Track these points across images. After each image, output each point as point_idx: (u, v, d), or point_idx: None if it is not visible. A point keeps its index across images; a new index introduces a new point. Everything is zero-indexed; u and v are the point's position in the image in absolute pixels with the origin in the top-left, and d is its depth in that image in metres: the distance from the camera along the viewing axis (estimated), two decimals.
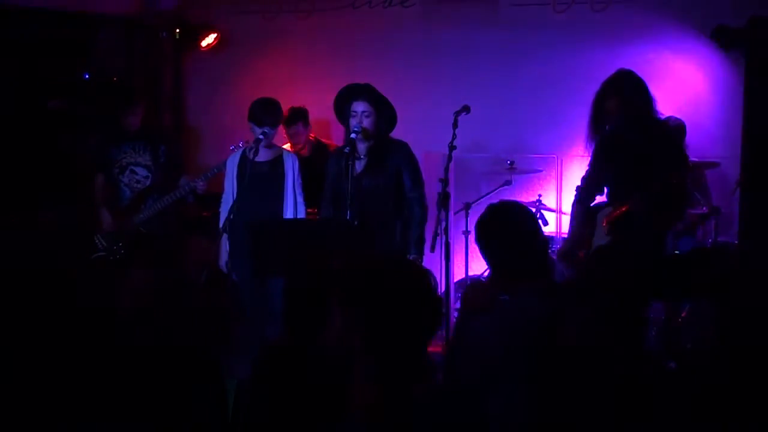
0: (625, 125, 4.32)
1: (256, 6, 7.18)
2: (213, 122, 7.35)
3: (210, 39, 7.02)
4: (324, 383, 2.20)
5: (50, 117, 6.64)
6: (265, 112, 5.14)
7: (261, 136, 5.08)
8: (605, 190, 4.62)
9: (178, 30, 7.06)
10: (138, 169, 5.67)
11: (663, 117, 4.44)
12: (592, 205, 4.68)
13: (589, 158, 4.63)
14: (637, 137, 4.33)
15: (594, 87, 6.51)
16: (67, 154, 6.64)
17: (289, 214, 5.19)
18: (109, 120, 5.98)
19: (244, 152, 5.15)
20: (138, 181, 5.67)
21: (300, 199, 5.23)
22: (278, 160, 5.26)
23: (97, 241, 5.63)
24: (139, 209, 5.61)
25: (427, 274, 1.78)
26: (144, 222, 5.59)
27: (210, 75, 7.16)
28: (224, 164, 5.40)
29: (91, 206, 5.78)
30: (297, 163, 5.31)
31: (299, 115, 6.12)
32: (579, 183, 4.73)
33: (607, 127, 4.38)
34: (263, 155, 5.24)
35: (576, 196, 4.71)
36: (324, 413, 1.85)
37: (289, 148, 5.90)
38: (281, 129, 6.03)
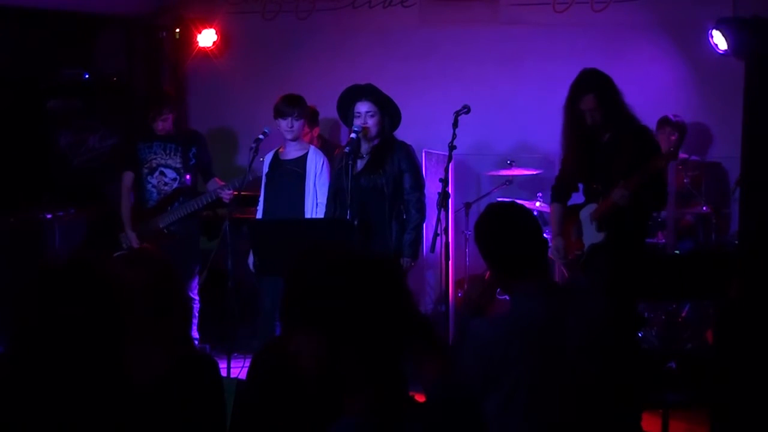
0: (602, 123, 4.34)
1: (256, 6, 7.18)
2: (213, 122, 7.35)
3: (210, 39, 7.02)
4: (323, 383, 2.19)
5: (50, 117, 6.64)
6: (278, 102, 5.19)
7: (261, 136, 5.10)
8: (580, 187, 4.64)
9: (178, 30, 7.06)
10: (167, 171, 5.66)
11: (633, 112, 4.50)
12: (569, 204, 4.70)
13: (561, 158, 4.65)
14: (612, 134, 4.36)
15: None
16: (65, 154, 6.65)
17: (308, 213, 5.16)
18: (137, 119, 5.97)
19: (276, 151, 5.16)
20: (166, 183, 5.65)
21: (322, 200, 5.14)
22: (303, 159, 5.24)
23: (121, 239, 5.64)
24: (165, 211, 5.61)
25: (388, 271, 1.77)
26: (168, 225, 5.58)
27: (210, 75, 7.16)
28: (251, 174, 5.33)
29: (116, 204, 5.78)
30: (322, 161, 5.22)
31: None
32: (553, 183, 4.73)
33: (587, 123, 4.40)
34: (291, 153, 5.26)
35: (552, 196, 4.72)
36: (323, 414, 1.84)
37: None
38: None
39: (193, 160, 5.68)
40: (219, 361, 2.61)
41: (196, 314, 5.60)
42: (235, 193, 5.34)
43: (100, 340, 2.05)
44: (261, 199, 5.28)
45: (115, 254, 5.56)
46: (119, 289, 2.26)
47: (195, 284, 5.62)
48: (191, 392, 2.41)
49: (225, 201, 5.49)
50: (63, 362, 2.00)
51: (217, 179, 5.69)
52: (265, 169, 5.22)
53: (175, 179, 5.65)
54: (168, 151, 5.66)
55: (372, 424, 1.69)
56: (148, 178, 5.66)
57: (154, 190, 5.65)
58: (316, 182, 5.18)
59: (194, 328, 5.53)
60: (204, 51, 7.08)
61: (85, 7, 6.65)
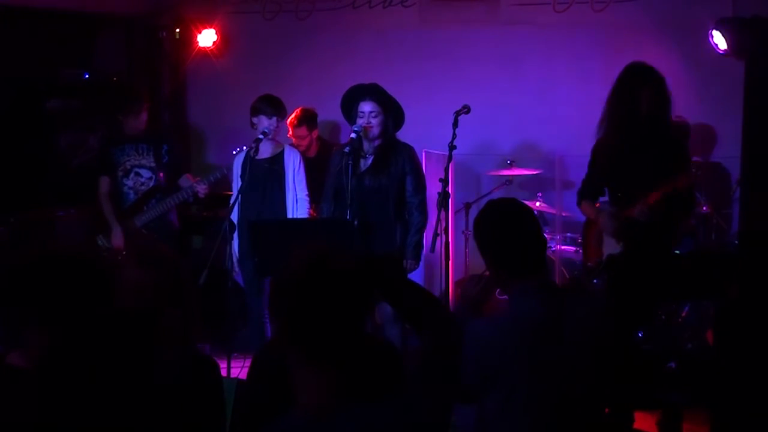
0: (650, 119, 4.25)
1: (256, 6, 7.18)
2: (213, 122, 7.35)
3: (210, 39, 7.02)
4: None
5: (50, 117, 6.64)
6: (261, 102, 5.25)
7: (261, 136, 5.13)
8: (605, 191, 4.57)
9: (178, 30, 7.06)
10: (142, 171, 5.66)
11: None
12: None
13: (592, 157, 4.52)
14: (646, 137, 4.26)
15: (594, 87, 6.50)
16: (65, 154, 6.64)
17: (290, 211, 5.21)
18: (110, 121, 5.97)
19: (248, 152, 5.18)
20: (142, 183, 5.65)
21: (302, 196, 5.25)
22: (279, 157, 5.29)
23: (99, 241, 5.63)
24: (141, 210, 5.60)
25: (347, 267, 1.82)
26: (146, 223, 5.59)
27: (210, 75, 7.16)
28: (226, 168, 5.42)
29: (94, 206, 5.77)
30: (299, 158, 5.32)
31: (304, 119, 6.13)
32: (579, 186, 4.64)
33: (642, 113, 4.25)
34: (265, 152, 5.28)
35: (579, 197, 4.63)
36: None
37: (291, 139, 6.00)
38: (287, 128, 6.02)
39: (166, 158, 5.68)
40: (219, 361, 2.61)
41: None
42: (208, 188, 5.43)
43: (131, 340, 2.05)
44: (235, 199, 5.21)
45: None
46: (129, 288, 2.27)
47: None
48: (191, 394, 2.41)
49: (200, 196, 5.51)
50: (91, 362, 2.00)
51: (189, 176, 5.70)
52: (238, 170, 5.22)
53: (150, 178, 5.66)
54: (140, 152, 5.67)
55: (308, 423, 1.73)
56: (124, 180, 5.65)
57: (131, 191, 5.65)
58: (295, 178, 5.21)
59: None
60: (204, 51, 7.08)
61: (85, 7, 6.65)
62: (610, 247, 4.45)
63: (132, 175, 5.65)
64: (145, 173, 5.66)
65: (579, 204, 4.67)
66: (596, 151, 4.49)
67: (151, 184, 5.65)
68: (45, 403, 1.98)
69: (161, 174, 5.66)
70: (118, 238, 5.58)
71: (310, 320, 1.77)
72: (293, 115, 6.06)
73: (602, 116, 4.43)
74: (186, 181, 5.66)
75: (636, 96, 4.28)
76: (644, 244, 4.28)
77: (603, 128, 4.42)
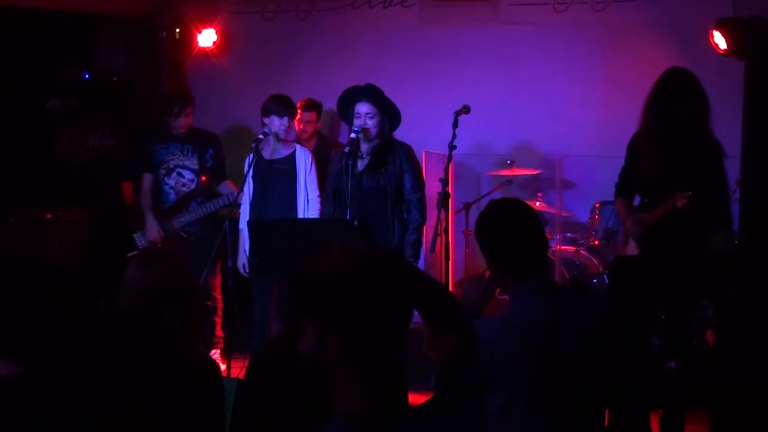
0: (683, 130, 4.17)
1: (256, 6, 7.19)
2: (212, 122, 7.34)
3: (210, 39, 7.02)
4: (323, 382, 2.19)
5: (50, 117, 6.63)
6: (272, 102, 5.20)
7: (261, 136, 5.12)
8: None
9: (178, 30, 7.06)
10: (185, 172, 5.63)
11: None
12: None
13: (627, 154, 4.48)
14: (684, 146, 4.19)
15: (594, 87, 6.52)
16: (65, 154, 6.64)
17: (300, 211, 5.19)
18: (155, 123, 5.93)
19: (256, 152, 5.19)
20: (184, 184, 5.62)
21: (313, 197, 5.22)
22: (290, 157, 5.27)
23: (136, 239, 5.61)
24: (181, 212, 5.60)
25: (396, 269, 1.75)
26: (185, 226, 5.58)
27: (210, 75, 7.16)
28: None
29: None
30: (310, 159, 5.29)
31: (314, 105, 6.13)
32: (617, 180, 4.60)
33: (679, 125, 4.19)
34: (276, 152, 5.27)
35: (616, 192, 4.60)
36: (322, 412, 1.84)
37: (296, 131, 5.93)
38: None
39: (210, 162, 5.65)
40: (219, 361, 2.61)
41: (220, 313, 5.68)
42: None
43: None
44: (247, 200, 5.21)
45: (129, 254, 5.54)
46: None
47: (218, 283, 5.64)
48: (192, 394, 2.41)
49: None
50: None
51: (229, 182, 5.67)
52: (248, 170, 5.21)
53: (192, 180, 5.63)
54: (185, 152, 5.64)
55: (354, 430, 1.68)
56: (166, 179, 5.62)
57: (171, 191, 5.63)
58: (307, 179, 5.21)
59: (218, 327, 5.66)
60: (204, 51, 7.08)
61: (85, 7, 6.64)
62: (634, 247, 4.45)
63: (174, 174, 5.62)
64: (188, 174, 5.63)
65: (615, 198, 4.66)
66: (631, 149, 4.46)
67: (193, 186, 5.62)
68: (45, 402, 1.98)
69: (203, 177, 5.63)
70: (153, 231, 5.55)
71: (369, 329, 1.69)
72: (301, 101, 5.99)
73: (640, 118, 4.36)
74: (226, 187, 5.62)
75: (673, 103, 4.22)
76: (660, 252, 4.26)
77: (639, 129, 4.39)
